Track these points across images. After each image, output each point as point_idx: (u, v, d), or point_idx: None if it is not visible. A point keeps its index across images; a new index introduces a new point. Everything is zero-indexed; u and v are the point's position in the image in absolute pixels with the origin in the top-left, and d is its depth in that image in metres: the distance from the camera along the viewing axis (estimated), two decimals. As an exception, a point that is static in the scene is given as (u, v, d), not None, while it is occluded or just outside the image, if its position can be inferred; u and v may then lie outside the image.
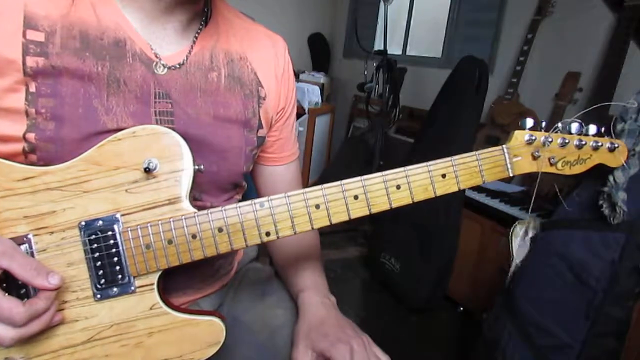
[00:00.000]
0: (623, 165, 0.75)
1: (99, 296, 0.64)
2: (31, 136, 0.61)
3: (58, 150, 0.62)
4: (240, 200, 0.73)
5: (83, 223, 0.63)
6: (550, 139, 0.70)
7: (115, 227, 0.63)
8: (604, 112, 2.04)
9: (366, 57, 3.32)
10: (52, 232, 0.62)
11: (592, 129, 0.71)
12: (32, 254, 0.62)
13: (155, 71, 0.69)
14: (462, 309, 2.46)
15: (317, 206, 0.67)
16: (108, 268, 0.64)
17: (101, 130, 0.64)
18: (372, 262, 2.77)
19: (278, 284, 0.97)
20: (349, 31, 4.46)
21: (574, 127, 0.70)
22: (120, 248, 0.64)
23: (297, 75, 4.13)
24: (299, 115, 3.32)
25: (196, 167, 0.65)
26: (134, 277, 0.65)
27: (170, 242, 0.64)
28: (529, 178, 2.40)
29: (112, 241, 0.63)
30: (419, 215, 2.38)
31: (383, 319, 2.42)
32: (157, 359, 0.67)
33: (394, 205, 0.68)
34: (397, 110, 3.31)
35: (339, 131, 4.40)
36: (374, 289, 2.67)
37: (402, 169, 0.68)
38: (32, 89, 0.61)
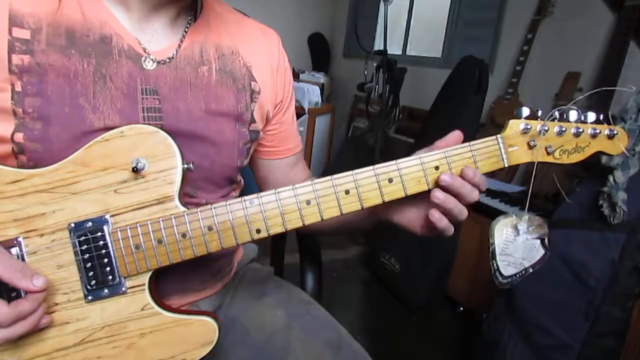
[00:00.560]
0: (625, 153, 0.73)
1: (90, 298, 0.64)
2: (19, 136, 0.61)
3: (46, 150, 0.62)
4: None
5: (72, 225, 0.62)
6: (546, 128, 0.67)
7: (105, 228, 0.63)
8: (604, 110, 2.03)
9: (366, 57, 3.32)
10: (42, 235, 0.62)
11: (591, 116, 0.68)
12: (22, 257, 0.62)
13: (144, 66, 0.68)
14: (462, 309, 2.46)
15: (308, 202, 0.66)
16: (98, 269, 0.63)
17: (88, 129, 0.63)
18: (372, 262, 2.76)
19: (277, 285, 0.96)
20: (349, 31, 4.46)
21: (572, 114, 0.68)
22: (110, 249, 0.63)
23: (297, 75, 4.13)
24: (298, 115, 3.32)
25: (185, 165, 0.65)
26: (125, 278, 0.64)
27: (160, 242, 0.64)
28: (529, 178, 2.40)
29: (101, 242, 0.63)
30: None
31: (383, 319, 2.42)
32: (149, 360, 0.67)
33: (387, 199, 0.67)
34: (397, 110, 3.31)
35: (339, 131, 4.40)
36: (374, 289, 2.66)
37: (393, 162, 0.67)
38: (18, 87, 0.61)
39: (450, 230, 0.67)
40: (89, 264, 0.63)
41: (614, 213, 1.45)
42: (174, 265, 0.65)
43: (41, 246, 0.62)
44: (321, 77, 4.20)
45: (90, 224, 0.63)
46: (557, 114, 0.68)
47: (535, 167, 0.70)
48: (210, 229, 0.64)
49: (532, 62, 2.78)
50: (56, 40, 0.63)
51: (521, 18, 2.86)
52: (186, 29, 0.74)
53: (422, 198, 0.69)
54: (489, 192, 2.35)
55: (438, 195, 0.65)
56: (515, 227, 0.73)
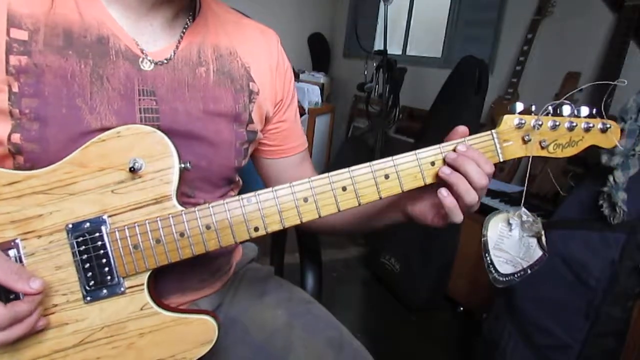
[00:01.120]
0: (619, 147, 0.73)
1: (88, 298, 0.64)
2: (16, 137, 0.61)
3: (43, 151, 0.62)
4: None
5: (70, 226, 0.62)
6: (540, 122, 0.68)
7: (103, 228, 0.63)
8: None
9: (366, 57, 3.32)
10: (39, 236, 0.62)
11: (584, 110, 0.69)
12: (20, 259, 0.62)
13: (142, 67, 0.68)
14: (462, 309, 2.45)
15: (305, 199, 0.66)
16: (97, 270, 0.63)
17: (85, 129, 0.63)
18: (372, 262, 2.76)
19: (277, 284, 0.96)
20: (349, 31, 4.46)
21: (565, 109, 0.68)
22: (108, 249, 0.63)
23: (297, 75, 4.13)
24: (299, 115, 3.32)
25: (182, 165, 0.65)
26: (123, 278, 0.64)
27: (158, 241, 0.64)
28: (530, 178, 2.39)
29: (99, 242, 0.63)
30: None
31: (383, 319, 2.42)
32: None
33: (384, 195, 0.67)
34: (397, 110, 3.31)
35: (339, 131, 4.40)
36: (374, 289, 2.66)
37: (389, 158, 0.67)
38: (15, 88, 0.61)
39: (459, 213, 0.66)
40: (87, 265, 0.63)
41: (614, 213, 1.45)
42: (173, 264, 0.65)
43: (39, 248, 0.62)
44: (321, 77, 4.20)
45: (88, 224, 0.63)
46: (550, 108, 0.69)
47: (529, 162, 0.70)
48: (208, 227, 0.64)
49: (532, 62, 2.78)
50: (54, 41, 0.63)
51: (521, 18, 2.86)
52: (184, 30, 0.73)
53: (431, 189, 0.70)
54: (489, 192, 2.34)
55: (444, 170, 0.66)
56: (508, 222, 0.73)
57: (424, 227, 0.75)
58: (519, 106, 0.68)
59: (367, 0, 4.23)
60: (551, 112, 0.69)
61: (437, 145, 0.68)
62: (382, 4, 3.05)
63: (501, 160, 0.69)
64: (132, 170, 0.62)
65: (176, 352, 0.67)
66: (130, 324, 0.66)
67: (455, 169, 0.66)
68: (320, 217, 0.67)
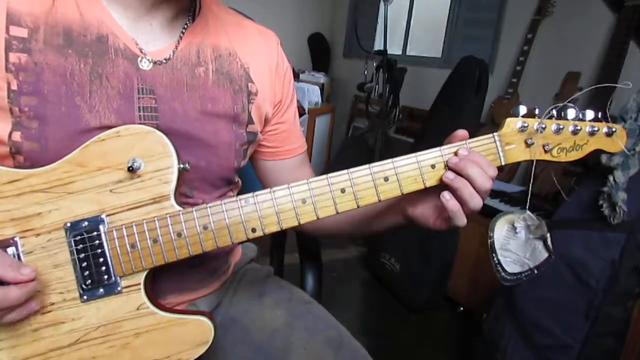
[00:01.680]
0: (625, 151, 0.72)
1: (85, 297, 0.64)
2: (17, 135, 0.61)
3: (43, 150, 0.62)
4: None
5: (68, 224, 0.62)
6: (543, 125, 0.67)
7: (101, 227, 0.63)
8: (604, 110, 2.04)
9: (366, 57, 3.32)
10: (38, 234, 0.62)
11: (589, 114, 0.68)
12: (18, 256, 0.62)
13: (140, 66, 0.68)
14: (462, 309, 2.45)
15: (304, 201, 0.66)
16: (94, 269, 0.63)
17: (84, 128, 0.64)
18: (372, 262, 2.76)
19: (277, 285, 0.96)
20: (349, 31, 4.46)
21: (570, 112, 0.67)
22: (106, 248, 0.63)
23: (297, 75, 4.13)
24: (299, 115, 3.32)
25: (181, 165, 0.65)
26: (120, 277, 0.64)
27: (155, 241, 0.64)
28: (530, 178, 2.39)
29: (97, 242, 0.63)
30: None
31: (383, 319, 2.42)
32: (144, 360, 0.67)
33: (383, 197, 0.67)
34: (397, 110, 3.31)
35: (339, 131, 4.40)
36: (374, 289, 2.66)
37: (389, 160, 0.66)
38: (14, 86, 0.61)
39: (462, 217, 0.66)
40: (85, 264, 0.63)
41: (614, 213, 1.45)
42: (170, 264, 0.65)
43: (37, 246, 0.62)
44: (321, 77, 4.20)
45: (86, 223, 0.63)
46: (554, 112, 0.68)
47: (534, 166, 0.70)
48: (205, 228, 0.64)
49: (532, 62, 2.78)
50: (54, 39, 0.63)
51: (521, 18, 2.86)
52: (183, 30, 0.73)
53: (433, 191, 0.69)
54: (489, 192, 2.34)
55: (448, 175, 0.65)
56: (513, 225, 0.73)
57: (426, 229, 0.75)
58: (522, 109, 0.68)
59: (367, 0, 4.23)
60: (555, 115, 0.68)
61: (438, 148, 0.67)
62: (382, 4, 3.05)
63: (503, 163, 0.69)
64: (131, 170, 0.62)
65: (172, 353, 0.67)
66: (126, 323, 0.66)
67: (457, 172, 0.65)
68: (318, 218, 0.66)
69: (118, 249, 0.63)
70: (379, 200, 0.67)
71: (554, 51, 2.70)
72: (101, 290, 0.64)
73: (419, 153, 0.67)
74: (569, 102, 0.69)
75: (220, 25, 0.79)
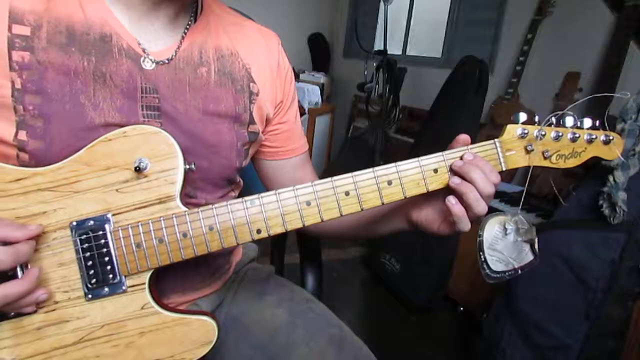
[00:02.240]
0: (621, 159, 0.74)
1: (90, 296, 0.64)
2: (23, 134, 0.61)
3: (48, 148, 0.62)
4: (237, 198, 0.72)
5: (74, 223, 0.63)
6: (543, 133, 0.69)
7: (106, 226, 0.63)
8: (603, 110, 2.04)
9: (366, 57, 3.32)
10: (43, 233, 0.62)
11: (587, 122, 0.70)
12: None
13: (143, 66, 0.68)
14: (462, 309, 2.45)
15: (308, 203, 0.66)
16: (99, 268, 0.63)
17: (89, 126, 0.64)
18: (372, 262, 2.76)
19: (278, 284, 0.96)
20: (349, 31, 4.46)
21: (568, 120, 0.69)
22: (111, 247, 0.63)
23: (297, 75, 4.13)
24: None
25: (187, 166, 0.65)
26: (125, 277, 0.65)
27: (161, 241, 0.64)
28: (529, 179, 2.40)
29: (103, 241, 0.63)
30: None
31: (383, 319, 2.42)
32: (149, 359, 0.67)
33: (386, 201, 0.68)
34: (397, 110, 3.31)
35: (339, 131, 4.40)
36: (374, 289, 2.66)
37: (393, 164, 0.67)
38: (18, 85, 0.61)
39: (466, 222, 0.67)
40: (90, 263, 0.63)
41: (614, 213, 1.45)
42: (174, 264, 0.66)
43: (42, 244, 0.62)
44: (321, 77, 4.20)
45: (92, 222, 0.63)
46: (553, 119, 0.70)
47: (530, 171, 0.72)
48: (211, 228, 0.65)
49: (532, 62, 2.78)
50: (56, 37, 0.63)
51: (521, 18, 2.86)
52: (186, 30, 0.74)
53: (438, 196, 0.70)
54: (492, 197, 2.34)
55: (454, 179, 0.67)
56: (504, 226, 0.74)
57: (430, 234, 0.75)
58: (522, 116, 0.69)
59: (367, 0, 4.23)
60: (554, 122, 0.70)
61: (440, 153, 0.68)
62: (382, 4, 3.05)
63: (504, 169, 0.70)
64: (138, 170, 0.63)
65: (175, 352, 0.68)
66: (130, 322, 0.66)
67: (461, 176, 0.67)
68: (322, 221, 0.67)
69: (124, 248, 0.64)
70: (383, 204, 0.68)
71: (554, 51, 2.70)
72: (106, 289, 0.64)
73: (422, 157, 0.68)
74: (569, 109, 0.70)
75: (222, 25, 0.79)
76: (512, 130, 0.69)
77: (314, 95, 3.82)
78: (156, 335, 0.67)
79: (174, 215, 0.64)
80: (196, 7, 0.76)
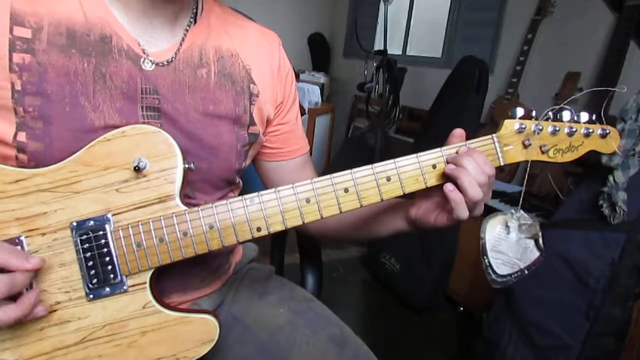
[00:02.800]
0: (618, 153, 0.74)
1: (91, 296, 0.64)
2: (22, 135, 0.61)
3: (47, 150, 0.62)
4: None
5: (74, 223, 0.63)
6: (540, 127, 0.69)
7: (107, 226, 0.63)
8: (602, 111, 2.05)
9: (366, 57, 3.32)
10: (43, 234, 0.62)
11: (584, 116, 0.70)
12: None
13: (143, 67, 0.68)
14: (462, 309, 2.46)
15: (308, 200, 0.66)
16: (100, 268, 0.63)
17: (89, 127, 0.64)
18: (372, 262, 2.76)
19: (278, 283, 0.96)
20: (349, 31, 4.46)
21: (565, 114, 0.70)
22: (112, 247, 0.63)
23: (297, 76, 4.12)
24: (299, 116, 3.33)
25: (186, 165, 0.65)
26: (126, 276, 0.65)
27: (161, 240, 0.64)
28: (529, 178, 2.40)
29: (103, 241, 0.63)
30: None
31: (383, 319, 2.42)
32: (151, 358, 0.67)
33: (385, 197, 0.68)
34: (397, 110, 3.31)
35: (339, 131, 4.40)
36: (374, 289, 2.66)
37: (391, 160, 0.68)
38: (18, 86, 0.61)
39: (464, 209, 0.67)
40: (91, 263, 0.63)
41: (614, 213, 1.45)
42: (174, 263, 0.66)
43: (43, 245, 0.62)
44: (321, 77, 4.20)
45: (92, 222, 0.63)
46: (550, 114, 0.70)
47: (528, 166, 0.72)
48: (211, 227, 0.65)
49: (532, 62, 2.78)
50: (57, 39, 0.63)
51: (521, 18, 2.86)
52: (186, 31, 0.73)
53: (436, 192, 0.71)
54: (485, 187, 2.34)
55: (449, 166, 0.67)
56: (506, 225, 0.74)
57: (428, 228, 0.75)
58: (520, 111, 0.69)
59: (367, 0, 4.24)
60: (551, 117, 0.70)
61: (439, 149, 0.69)
62: (382, 4, 3.05)
63: (502, 164, 0.70)
64: (137, 170, 0.63)
65: (177, 351, 0.68)
66: (132, 322, 0.66)
67: (454, 164, 0.67)
68: (322, 217, 0.67)
69: (124, 248, 0.64)
70: (382, 200, 0.68)
71: (554, 51, 2.70)
72: (107, 289, 0.64)
73: (420, 153, 0.68)
74: (565, 104, 0.70)
75: (222, 26, 0.79)
76: (510, 125, 0.70)
77: (314, 95, 3.82)
78: (158, 334, 0.67)
79: (174, 215, 0.64)
80: (196, 8, 0.76)
